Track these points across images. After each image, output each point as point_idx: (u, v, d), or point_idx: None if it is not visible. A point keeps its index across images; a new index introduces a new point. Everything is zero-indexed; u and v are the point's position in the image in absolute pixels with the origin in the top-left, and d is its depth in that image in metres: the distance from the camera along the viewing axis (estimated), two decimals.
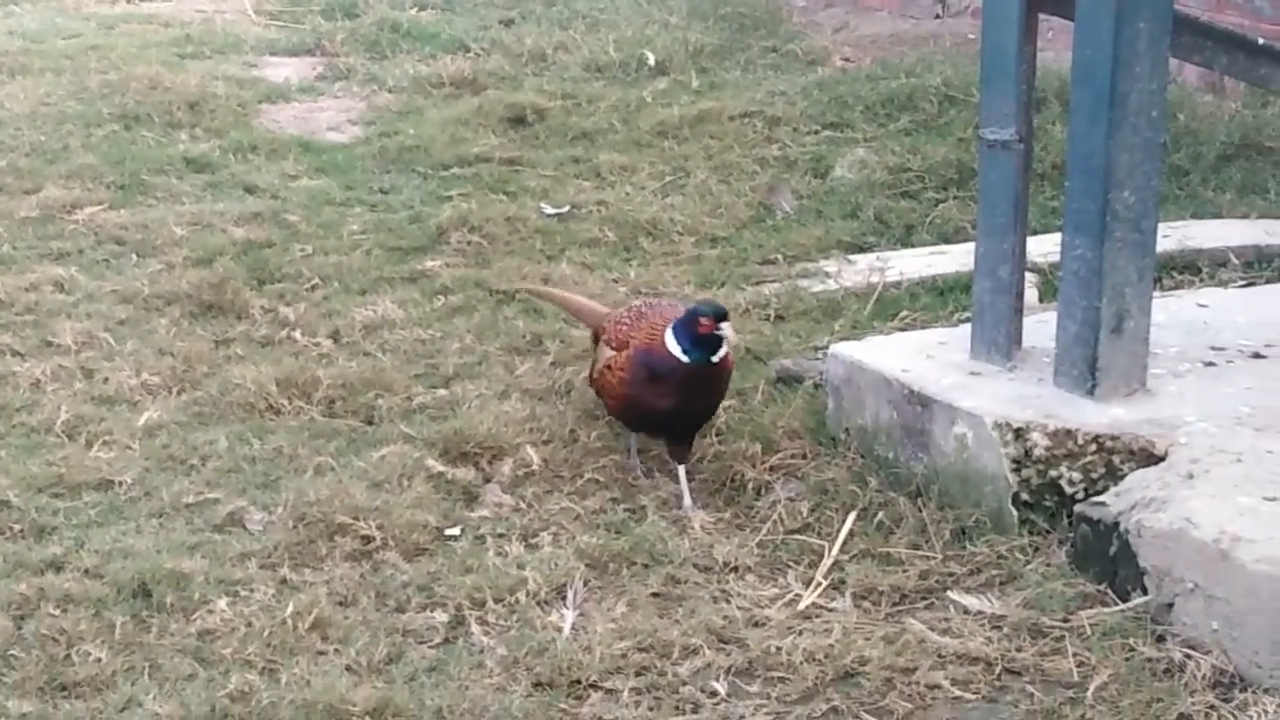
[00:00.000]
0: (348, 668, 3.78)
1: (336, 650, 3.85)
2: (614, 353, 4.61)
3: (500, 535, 4.38)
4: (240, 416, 4.99)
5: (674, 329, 4.48)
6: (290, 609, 3.95)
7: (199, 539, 4.31)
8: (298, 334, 5.58)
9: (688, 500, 4.55)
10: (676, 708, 3.69)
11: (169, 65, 8.50)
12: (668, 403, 4.52)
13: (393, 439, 4.82)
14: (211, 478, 4.65)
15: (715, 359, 4.46)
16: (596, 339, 4.88)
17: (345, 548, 4.28)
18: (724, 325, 4.42)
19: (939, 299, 5.78)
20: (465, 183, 7.05)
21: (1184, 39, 4.80)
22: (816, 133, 7.48)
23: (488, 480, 4.66)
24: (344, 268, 6.12)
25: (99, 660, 3.79)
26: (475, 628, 3.97)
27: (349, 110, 8.15)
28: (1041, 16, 4.59)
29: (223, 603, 4.00)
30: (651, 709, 3.68)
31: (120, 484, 4.60)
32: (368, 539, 4.30)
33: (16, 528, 4.36)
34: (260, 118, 7.97)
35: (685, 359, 4.45)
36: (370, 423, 4.98)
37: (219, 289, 5.82)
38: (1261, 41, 5.40)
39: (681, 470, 4.62)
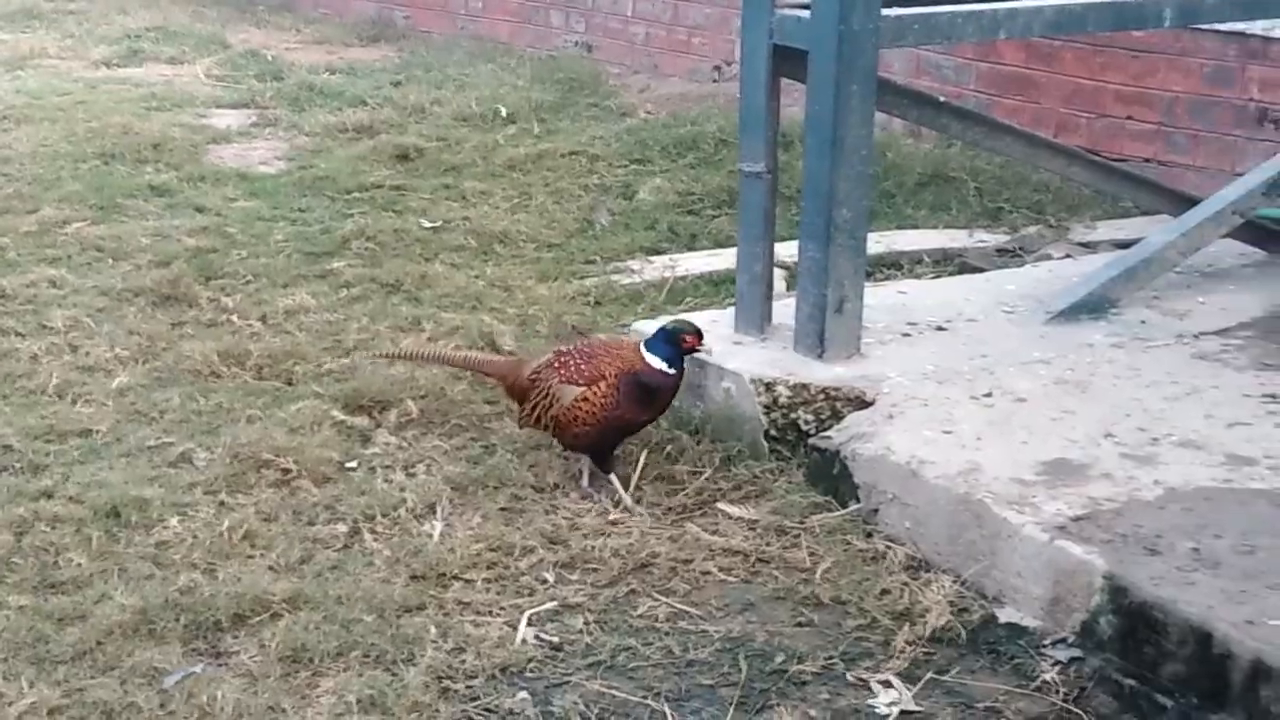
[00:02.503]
0: (270, 568, 3.72)
1: (262, 555, 3.79)
2: (583, 388, 4.04)
3: (387, 466, 4.31)
4: (190, 380, 4.87)
5: (649, 349, 4.07)
6: (226, 524, 3.88)
7: (157, 473, 4.21)
8: (235, 318, 5.43)
9: (627, 499, 4.11)
10: (518, 592, 3.68)
11: (139, 115, 8.27)
12: (648, 414, 4.13)
13: (306, 395, 4.72)
14: (168, 426, 4.54)
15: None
16: (517, 390, 4.25)
17: (269, 478, 4.20)
18: (705, 340, 4.14)
19: (714, 289, 5.76)
20: (363, 204, 6.92)
21: (888, 97, 4.84)
22: (626, 166, 7.43)
23: (378, 425, 4.58)
24: (271, 267, 5.98)
25: (80, 565, 3.70)
26: (367, 536, 3.92)
27: (276, 149, 7.98)
28: (784, 81, 4.62)
29: (175, 520, 3.92)
30: (499, 593, 3.67)
31: (98, 432, 4.47)
32: (286, 471, 4.22)
33: (17, 465, 4.24)
34: (208, 155, 7.77)
35: (672, 371, 4.08)
36: (290, 384, 4.88)
37: (175, 284, 5.66)
38: (943, 100, 5.48)
39: (613, 477, 4.15)
